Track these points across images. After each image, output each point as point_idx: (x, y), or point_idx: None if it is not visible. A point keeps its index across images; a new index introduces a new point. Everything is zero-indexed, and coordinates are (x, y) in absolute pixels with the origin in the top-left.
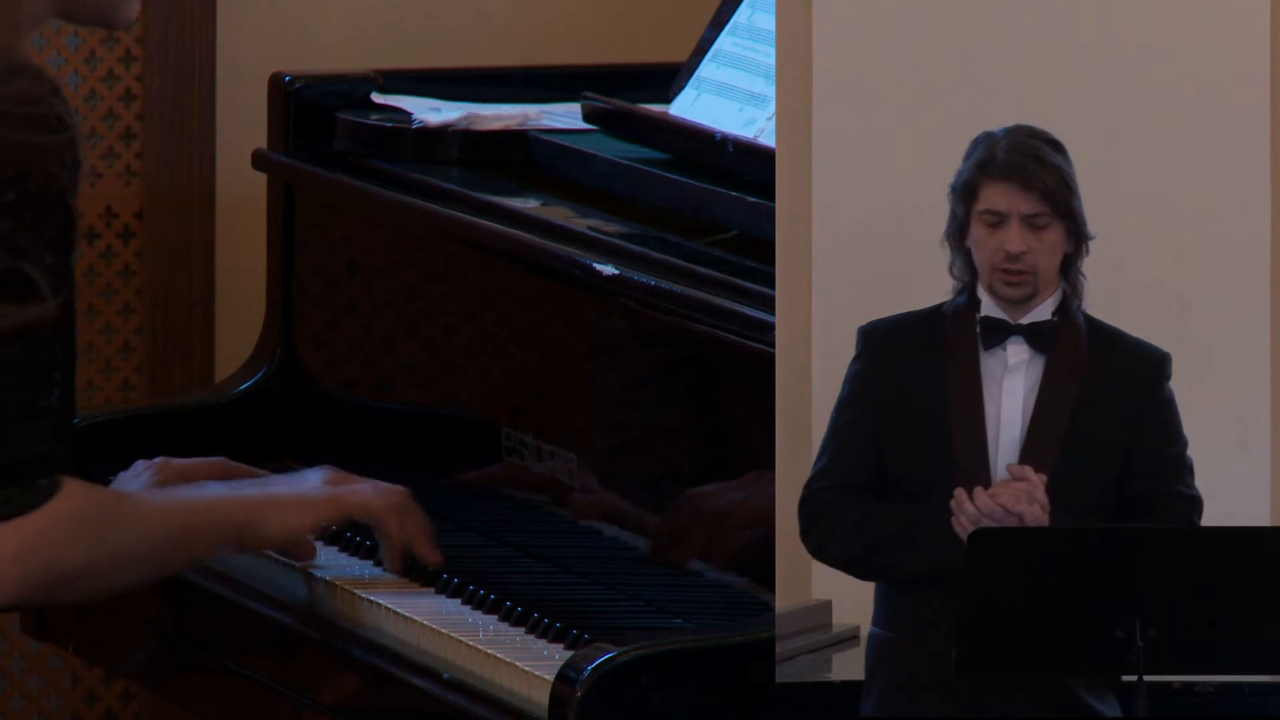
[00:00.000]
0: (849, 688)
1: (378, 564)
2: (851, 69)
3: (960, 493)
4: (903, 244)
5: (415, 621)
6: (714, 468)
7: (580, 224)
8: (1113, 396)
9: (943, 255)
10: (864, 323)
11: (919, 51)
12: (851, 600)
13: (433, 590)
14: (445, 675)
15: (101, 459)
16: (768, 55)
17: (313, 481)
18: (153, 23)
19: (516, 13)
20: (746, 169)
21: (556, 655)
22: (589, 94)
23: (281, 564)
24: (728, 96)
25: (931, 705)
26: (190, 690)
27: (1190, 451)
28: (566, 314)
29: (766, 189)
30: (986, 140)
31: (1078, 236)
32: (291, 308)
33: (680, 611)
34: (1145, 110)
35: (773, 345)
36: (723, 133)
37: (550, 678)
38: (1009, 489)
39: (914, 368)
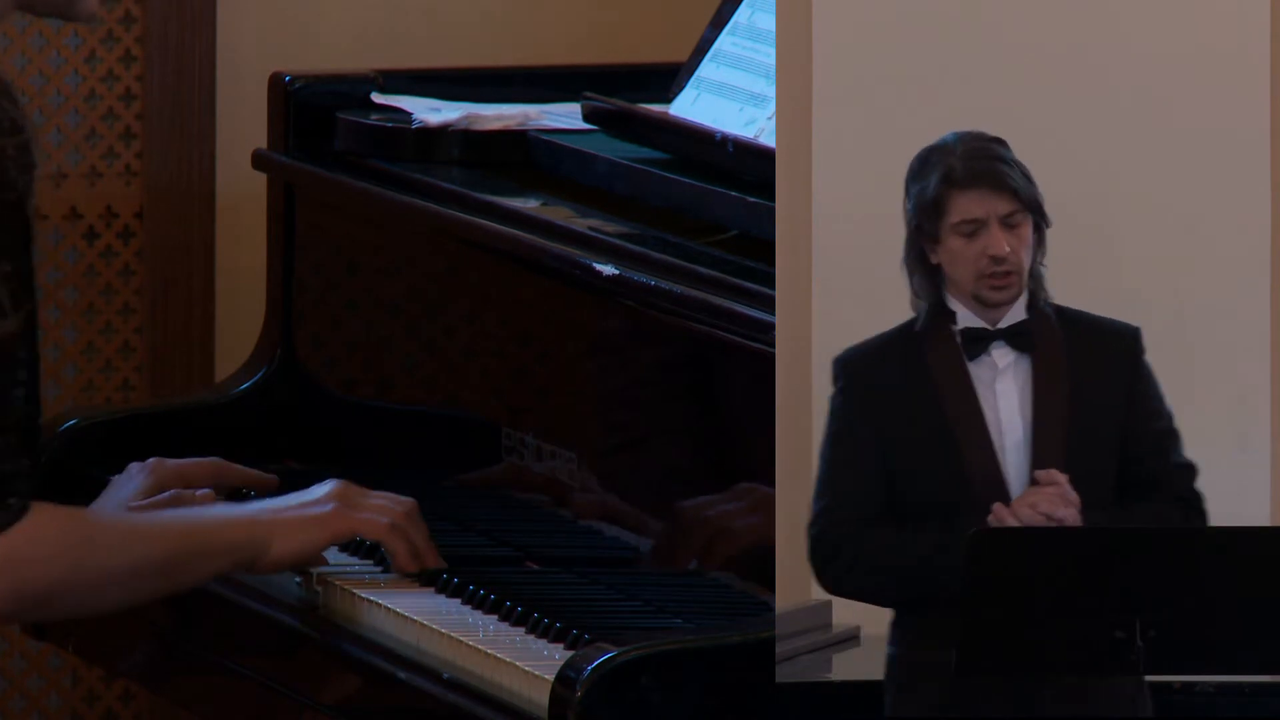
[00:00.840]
0: (849, 688)
1: (378, 563)
2: (851, 69)
3: (999, 507)
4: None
5: (415, 621)
6: (714, 468)
7: (580, 224)
8: (1100, 379)
9: None
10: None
11: (919, 52)
12: (852, 600)
13: (433, 590)
14: (445, 675)
15: (101, 459)
16: (768, 55)
17: (321, 496)
18: (153, 23)
19: (516, 13)
20: (746, 169)
21: (556, 655)
22: (589, 94)
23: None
24: (728, 96)
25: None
26: (190, 690)
27: (1190, 452)
28: (566, 314)
29: (766, 189)
30: (939, 153)
31: (1039, 229)
32: (291, 308)
33: (680, 611)
34: (1145, 111)
35: (773, 345)
36: (723, 133)
37: (550, 678)
38: (1045, 495)
39: (902, 390)
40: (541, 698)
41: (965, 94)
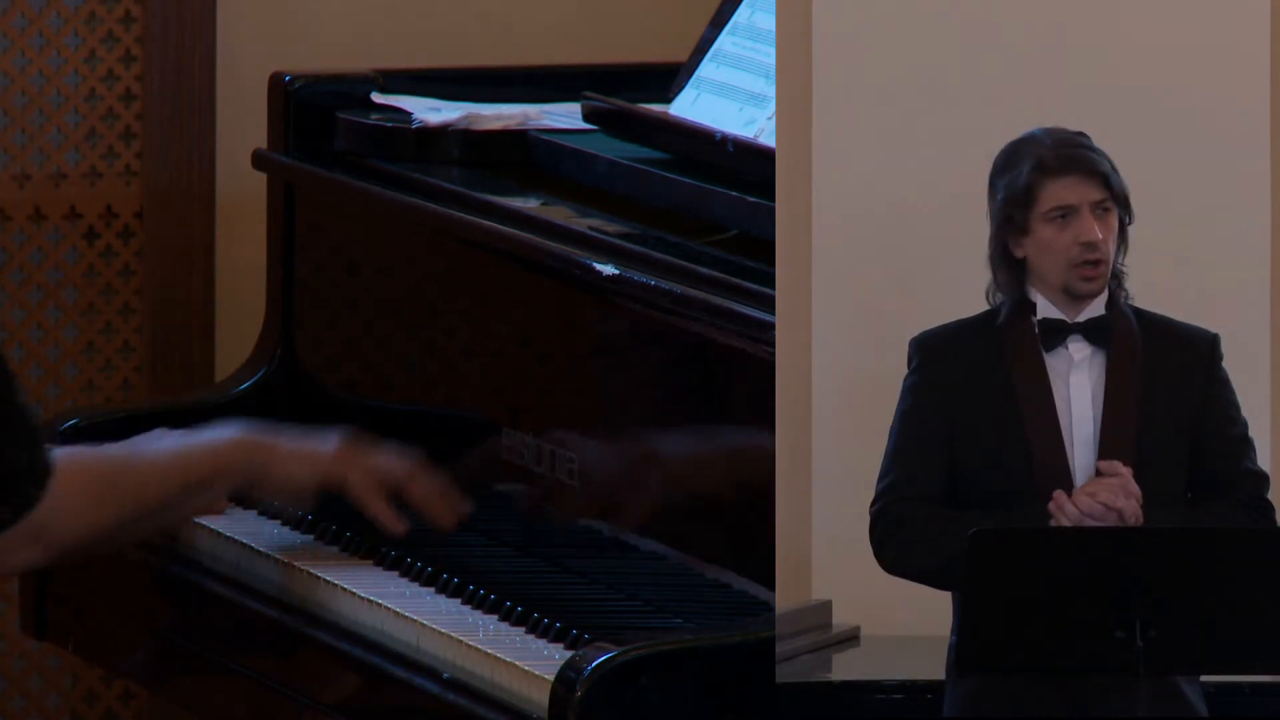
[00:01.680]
0: (849, 688)
1: (378, 563)
2: (851, 69)
3: (1060, 495)
4: (903, 243)
5: (415, 621)
6: (714, 467)
7: (580, 224)
8: (1175, 382)
9: (941, 254)
10: (916, 333)
11: (919, 51)
12: (851, 600)
13: (433, 589)
14: (445, 675)
15: None
16: (768, 55)
17: (328, 441)
18: (153, 23)
19: (516, 13)
20: (746, 169)
21: (556, 655)
22: (589, 94)
23: (283, 563)
24: (728, 96)
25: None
26: (190, 690)
27: None
28: (566, 314)
29: (766, 189)
30: (1029, 144)
31: (1123, 226)
32: (291, 308)
33: (680, 611)
34: (1144, 111)
35: (773, 345)
36: (723, 133)
37: (550, 678)
38: (1106, 485)
39: (977, 375)
40: (541, 698)
41: (965, 94)
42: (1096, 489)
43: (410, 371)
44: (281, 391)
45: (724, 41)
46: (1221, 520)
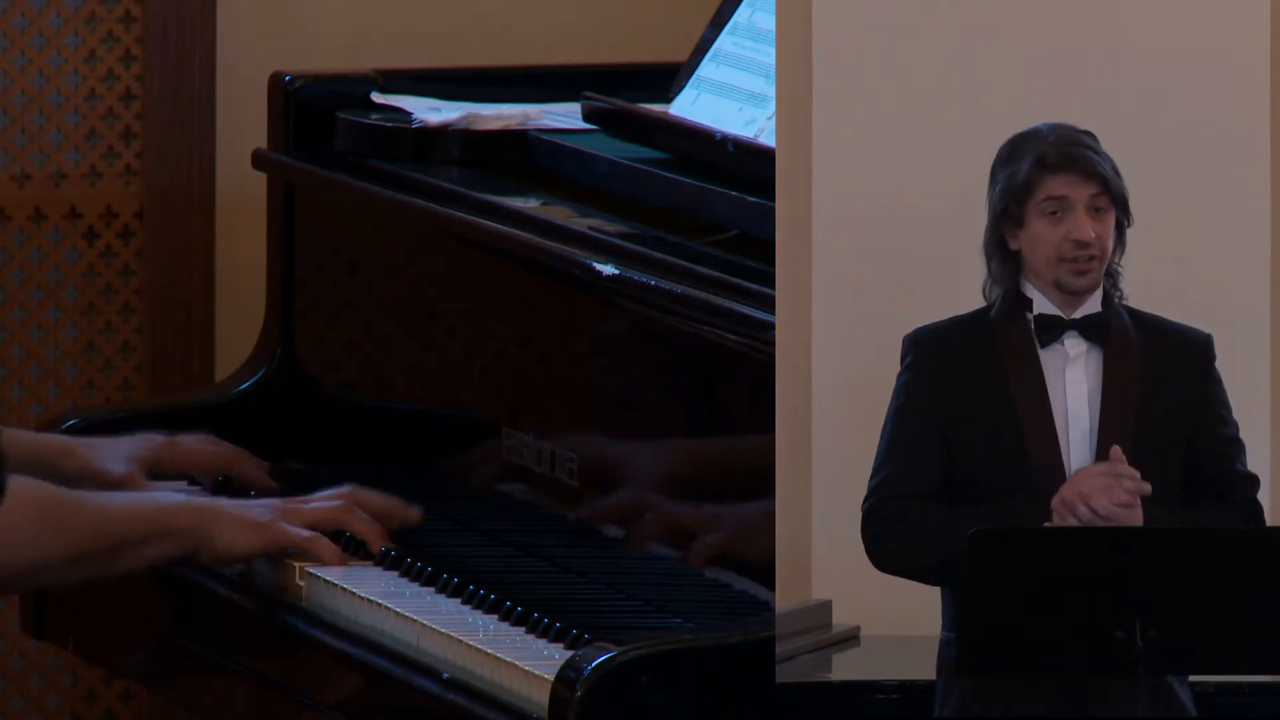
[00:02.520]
0: (849, 688)
1: (378, 563)
2: (851, 69)
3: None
4: (903, 243)
5: (415, 621)
6: (714, 467)
7: (580, 224)
8: (1171, 381)
9: (941, 254)
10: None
11: (919, 52)
12: (851, 600)
13: (433, 589)
14: (445, 675)
15: None
16: (768, 55)
17: (260, 504)
18: (153, 23)
19: (516, 13)
20: (746, 169)
21: (556, 655)
22: (589, 94)
23: (282, 563)
24: (728, 96)
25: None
26: (190, 690)
27: None
28: (566, 314)
29: (766, 189)
30: (1032, 139)
31: (1120, 227)
32: (291, 308)
33: (680, 611)
34: (1144, 111)
35: (773, 345)
36: (723, 133)
37: (550, 677)
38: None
39: (971, 371)
40: (542, 697)
41: (965, 94)
42: (1090, 491)
43: (410, 371)
44: (281, 391)
45: (724, 41)
46: (1216, 521)
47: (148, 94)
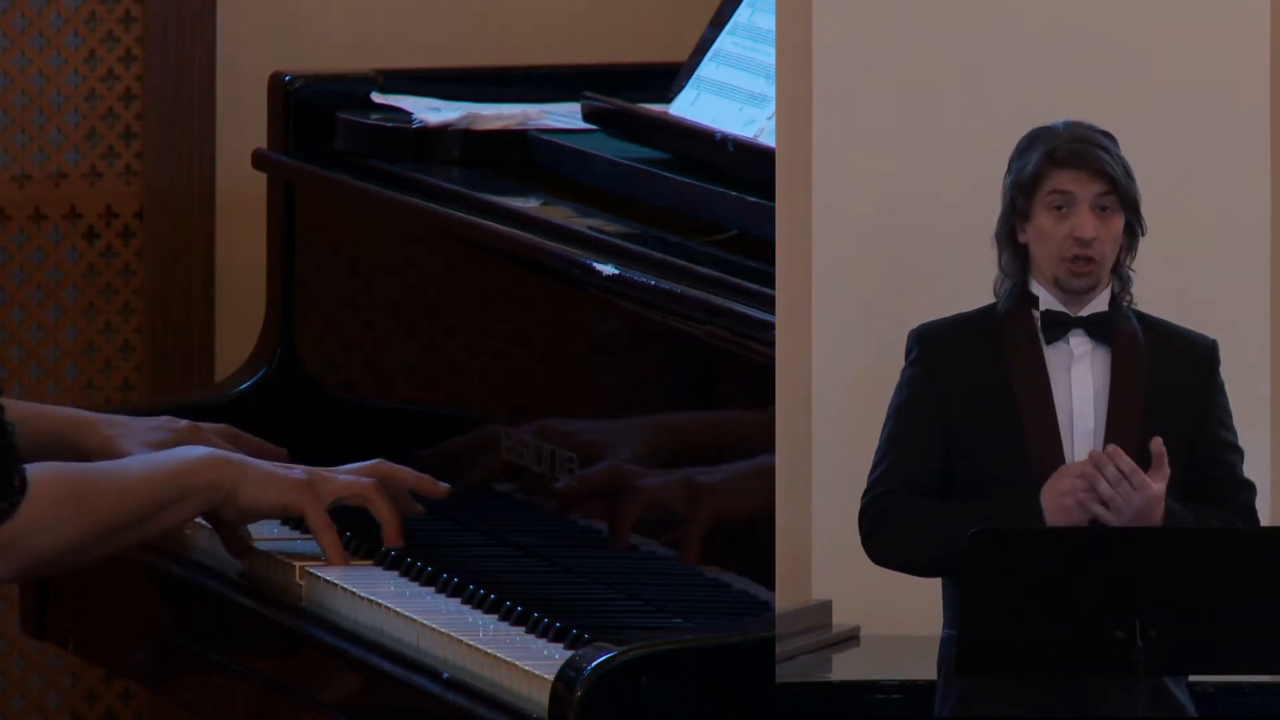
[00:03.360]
0: (849, 688)
1: (377, 563)
2: (851, 69)
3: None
4: (903, 243)
5: (415, 621)
6: (714, 468)
7: (580, 224)
8: (1176, 384)
9: (942, 253)
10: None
11: (919, 51)
12: (851, 600)
13: (432, 589)
14: (445, 675)
15: None
16: (768, 55)
17: (294, 470)
18: (153, 23)
19: (516, 13)
20: (746, 169)
21: (556, 655)
22: (589, 94)
23: (282, 563)
24: (728, 96)
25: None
26: (190, 690)
27: None
28: (566, 314)
29: (766, 189)
30: (1046, 134)
31: (1132, 231)
32: (291, 308)
33: (680, 611)
34: (1144, 110)
35: (773, 345)
36: (723, 133)
37: (550, 677)
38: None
39: (975, 367)
40: (541, 697)
41: (965, 93)
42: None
43: (410, 371)
44: (281, 391)
45: (724, 41)
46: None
47: (148, 94)
